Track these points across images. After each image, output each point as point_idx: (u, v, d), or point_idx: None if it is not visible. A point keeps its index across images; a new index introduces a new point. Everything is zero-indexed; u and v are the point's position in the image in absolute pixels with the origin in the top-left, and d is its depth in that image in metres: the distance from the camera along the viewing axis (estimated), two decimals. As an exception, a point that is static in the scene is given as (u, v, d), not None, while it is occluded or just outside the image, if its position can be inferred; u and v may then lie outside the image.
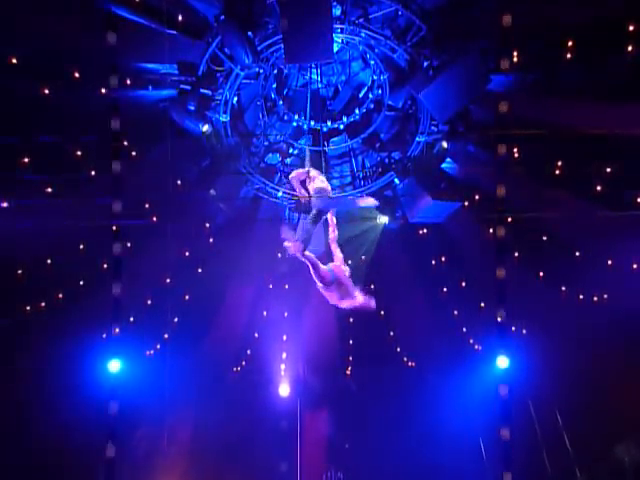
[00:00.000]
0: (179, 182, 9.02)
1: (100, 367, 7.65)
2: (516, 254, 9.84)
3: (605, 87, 8.00)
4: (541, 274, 10.22)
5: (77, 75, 8.03)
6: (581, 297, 10.27)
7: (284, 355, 11.36)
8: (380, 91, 9.50)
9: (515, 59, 8.08)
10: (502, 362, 7.27)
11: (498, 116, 6.54)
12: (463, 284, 10.76)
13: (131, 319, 9.61)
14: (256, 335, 11.26)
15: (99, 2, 7.20)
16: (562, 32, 7.92)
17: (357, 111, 9.69)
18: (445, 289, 10.92)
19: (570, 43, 7.97)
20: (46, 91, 7.97)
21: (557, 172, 8.99)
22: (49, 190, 8.71)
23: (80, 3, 7.38)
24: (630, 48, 7.82)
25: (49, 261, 9.37)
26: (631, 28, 7.71)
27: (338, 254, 6.41)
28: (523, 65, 8.17)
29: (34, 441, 9.69)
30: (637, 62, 7.80)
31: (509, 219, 7.83)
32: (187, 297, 10.40)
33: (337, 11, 8.30)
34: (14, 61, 7.72)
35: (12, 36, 7.50)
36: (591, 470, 10.59)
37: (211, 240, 10.08)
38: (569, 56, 7.97)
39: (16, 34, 7.49)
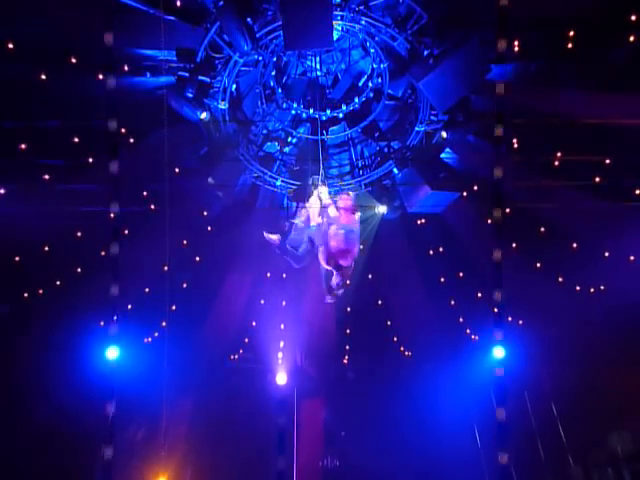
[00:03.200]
0: (177, 170, 8.99)
1: (98, 354, 7.66)
2: (514, 245, 9.84)
3: (605, 77, 7.97)
4: (538, 265, 10.23)
5: (75, 61, 7.98)
6: (578, 288, 10.28)
7: (281, 344, 11.38)
8: (380, 80, 9.45)
9: (516, 48, 8.05)
10: (498, 352, 7.31)
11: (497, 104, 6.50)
12: (461, 274, 10.77)
13: (129, 306, 9.61)
14: (254, 324, 11.28)
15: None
16: (563, 22, 7.88)
17: (356, 100, 9.64)
18: (442, 279, 10.93)
19: (571, 33, 7.94)
20: (43, 76, 7.91)
21: (556, 162, 8.98)
22: (47, 176, 8.68)
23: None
24: (632, 38, 7.78)
25: (47, 248, 9.36)
26: (633, 18, 7.67)
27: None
28: (523, 54, 8.12)
29: (31, 428, 9.75)
30: (637, 52, 7.77)
31: (507, 210, 7.81)
32: (185, 285, 10.40)
33: (337, -2, 8.25)
34: (11, 46, 7.66)
35: (11, 21, 7.45)
36: (585, 459, 10.67)
37: (209, 228, 10.07)
38: (570, 46, 7.94)
39: (15, 19, 7.44)
